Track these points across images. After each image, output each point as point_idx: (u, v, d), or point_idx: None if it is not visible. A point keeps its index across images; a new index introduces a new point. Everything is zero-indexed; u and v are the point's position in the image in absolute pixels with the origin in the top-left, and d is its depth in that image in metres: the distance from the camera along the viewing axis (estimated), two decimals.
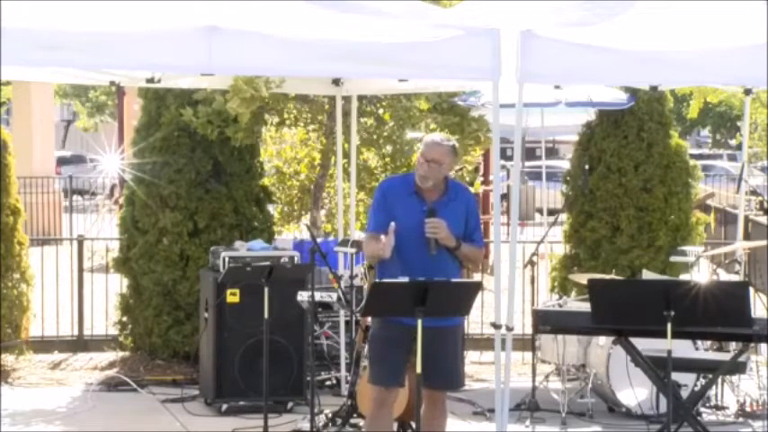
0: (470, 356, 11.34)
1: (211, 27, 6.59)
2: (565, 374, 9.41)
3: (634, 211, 10.92)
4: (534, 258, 10.19)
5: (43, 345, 11.65)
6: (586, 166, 11.17)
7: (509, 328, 6.96)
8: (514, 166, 7.38)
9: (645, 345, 7.88)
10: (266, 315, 8.31)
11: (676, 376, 7.98)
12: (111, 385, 10.28)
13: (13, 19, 6.48)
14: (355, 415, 8.72)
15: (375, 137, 11.20)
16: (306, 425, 8.68)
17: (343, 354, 10.08)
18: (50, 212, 21.86)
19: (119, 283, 11.65)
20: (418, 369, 6.47)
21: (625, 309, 7.12)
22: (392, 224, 6.87)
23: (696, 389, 8.91)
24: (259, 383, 8.57)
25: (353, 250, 9.28)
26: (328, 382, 10.26)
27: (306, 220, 11.46)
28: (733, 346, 9.10)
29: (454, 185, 7.22)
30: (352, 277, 9.41)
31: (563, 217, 11.59)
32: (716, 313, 6.97)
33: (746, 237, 12.66)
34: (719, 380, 9.40)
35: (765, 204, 17.65)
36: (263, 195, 11.29)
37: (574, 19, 7.14)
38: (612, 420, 9.35)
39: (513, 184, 7.53)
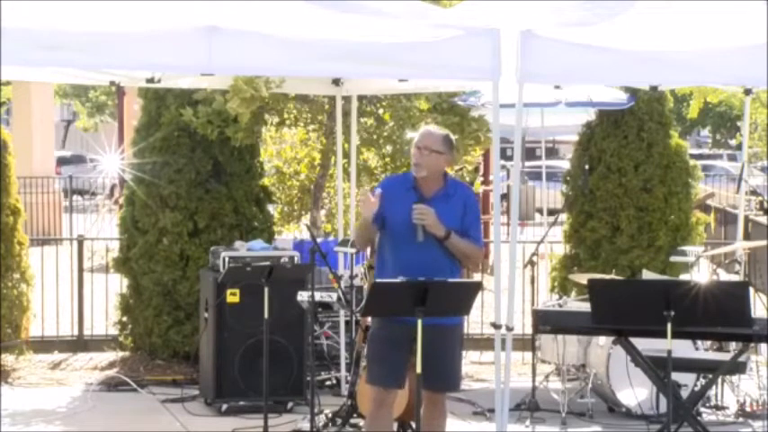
0: (470, 356, 11.35)
1: (211, 27, 6.59)
2: (565, 374, 9.41)
3: (634, 211, 10.92)
4: (534, 258, 10.19)
5: (43, 345, 11.65)
6: (586, 166, 11.17)
7: (509, 328, 6.96)
8: (514, 166, 7.38)
9: (645, 345, 7.88)
10: (266, 315, 8.31)
11: (676, 376, 7.98)
12: (111, 385, 10.28)
13: (13, 19, 6.48)
14: (355, 415, 8.72)
15: (375, 137, 11.20)
16: (306, 425, 8.68)
17: (343, 354, 10.08)
18: (50, 212, 21.86)
19: (119, 283, 11.65)
20: (418, 369, 6.47)
21: (625, 309, 7.12)
22: (378, 190, 6.90)
23: (696, 389, 8.91)
24: (259, 383, 8.57)
25: (353, 250, 9.28)
26: (328, 382, 10.26)
27: (306, 220, 11.46)
28: (733, 346, 9.10)
29: (454, 182, 7.23)
30: (352, 277, 9.41)
31: (563, 217, 11.59)
32: (716, 313, 6.97)
33: (746, 237, 12.66)
34: (719, 380, 9.40)
35: (765, 204, 17.64)
36: (263, 195, 11.29)
37: (574, 19, 7.14)
38: (612, 420, 9.35)
39: (513, 184, 7.53)
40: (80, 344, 11.84)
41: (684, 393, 8.69)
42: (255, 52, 6.68)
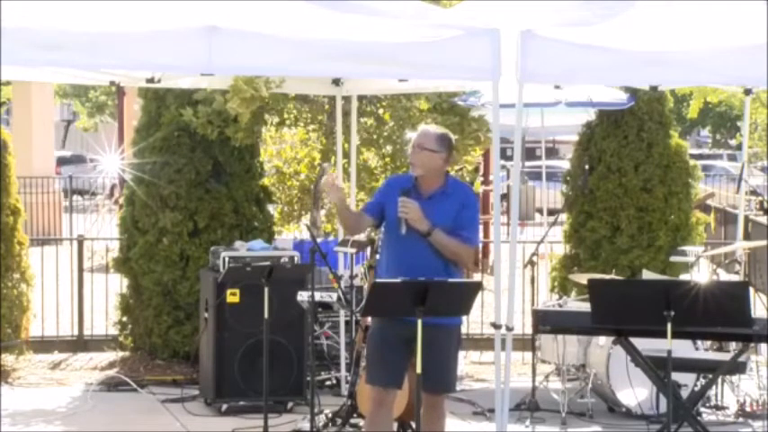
0: (470, 356, 11.36)
1: (211, 27, 6.59)
2: (565, 374, 9.41)
3: (634, 211, 10.92)
4: (534, 258, 10.19)
5: (43, 345, 11.65)
6: (586, 166, 11.17)
7: (509, 328, 6.95)
8: (514, 166, 7.37)
9: (645, 345, 7.88)
10: (266, 315, 8.31)
11: (676, 376, 7.98)
12: (111, 385, 10.28)
13: (13, 19, 6.48)
14: (355, 415, 8.72)
15: (375, 137, 11.20)
16: (306, 425, 8.68)
17: (343, 354, 10.08)
18: (50, 212, 21.85)
19: (119, 283, 11.65)
20: (418, 369, 6.47)
21: (625, 309, 7.12)
22: (333, 174, 6.95)
23: (696, 389, 8.91)
24: (259, 383, 8.57)
25: (353, 250, 9.28)
26: (328, 382, 10.26)
27: (306, 220, 11.46)
28: (733, 346, 9.10)
29: (455, 182, 7.23)
30: (352, 277, 9.42)
31: (563, 217, 11.60)
32: (716, 313, 6.97)
33: (746, 237, 12.66)
34: (719, 380, 9.40)
35: (765, 204, 17.64)
36: (263, 195, 11.29)
37: (574, 19, 7.14)
38: (612, 420, 9.35)
39: (513, 184, 7.52)
40: (80, 344, 11.84)
41: (684, 393, 8.69)
42: (255, 52, 6.68)
